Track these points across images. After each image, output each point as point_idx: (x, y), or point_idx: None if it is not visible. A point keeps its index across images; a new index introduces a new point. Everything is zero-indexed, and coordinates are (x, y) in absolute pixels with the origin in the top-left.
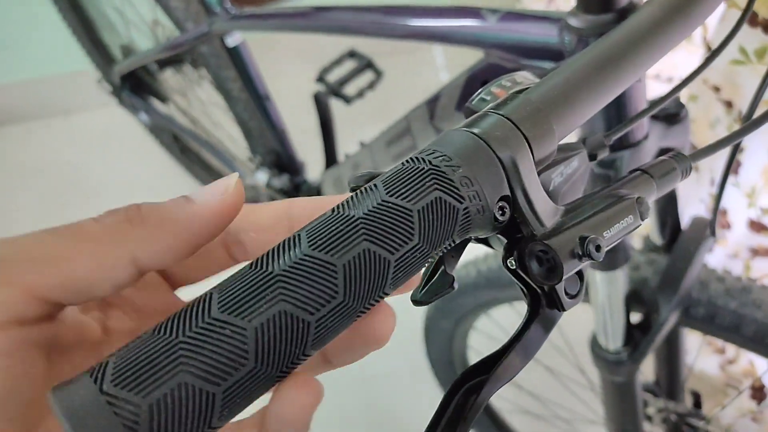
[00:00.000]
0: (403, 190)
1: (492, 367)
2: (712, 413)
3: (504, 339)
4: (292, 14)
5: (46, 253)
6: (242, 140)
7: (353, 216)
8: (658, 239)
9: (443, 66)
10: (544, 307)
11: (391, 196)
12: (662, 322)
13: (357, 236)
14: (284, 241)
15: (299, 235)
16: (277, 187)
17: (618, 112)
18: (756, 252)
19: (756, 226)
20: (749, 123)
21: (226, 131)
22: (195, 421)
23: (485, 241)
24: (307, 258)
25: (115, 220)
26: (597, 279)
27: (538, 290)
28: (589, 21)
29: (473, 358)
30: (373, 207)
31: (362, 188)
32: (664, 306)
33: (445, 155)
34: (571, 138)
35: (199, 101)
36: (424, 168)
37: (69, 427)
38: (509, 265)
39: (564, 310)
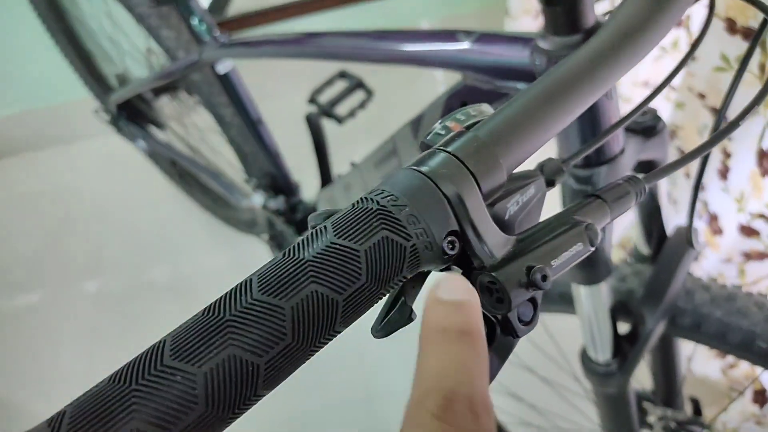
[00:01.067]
0: (350, 231)
1: None
2: (712, 420)
3: None
4: (280, 41)
5: None
6: (238, 164)
7: (302, 258)
8: (644, 249)
9: (439, 80)
10: (499, 334)
11: (339, 237)
12: (649, 333)
13: (305, 278)
14: (237, 285)
15: (251, 279)
16: (273, 209)
17: (592, 131)
18: (749, 256)
19: (747, 231)
20: (700, 146)
21: (223, 156)
22: None
23: (446, 270)
24: (256, 302)
25: None
26: (581, 293)
27: (493, 319)
28: (556, 42)
29: None
30: (322, 249)
31: (314, 230)
32: (650, 316)
33: (392, 194)
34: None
35: (195, 127)
36: (371, 208)
37: None
38: None
39: (518, 336)
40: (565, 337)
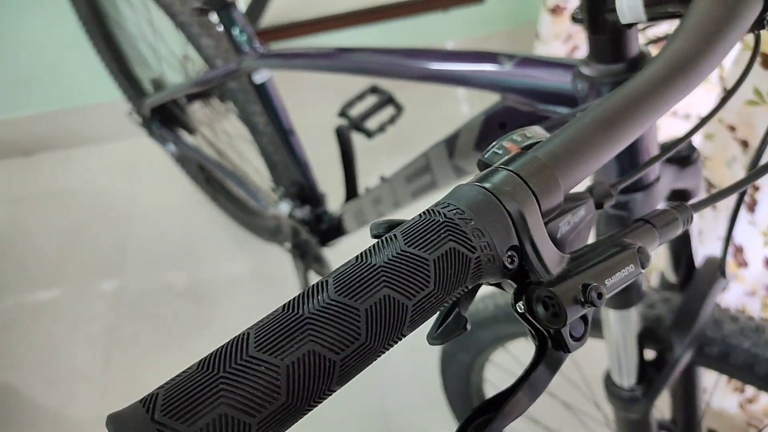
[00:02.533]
0: (420, 241)
1: (500, 405)
2: None
3: (516, 365)
4: (317, 54)
5: None
6: (266, 172)
7: (375, 264)
8: (672, 277)
9: (464, 98)
10: (550, 348)
11: (409, 246)
12: (676, 360)
13: (378, 283)
14: (312, 285)
15: (326, 281)
16: (299, 218)
17: (630, 158)
18: None
19: None
20: (750, 174)
21: (250, 163)
22: None
23: (498, 284)
24: (333, 302)
25: None
26: (610, 317)
27: (545, 333)
28: (600, 70)
29: (490, 392)
30: (393, 256)
31: (383, 238)
32: (678, 344)
33: (458, 208)
34: (581, 185)
35: (225, 133)
36: (439, 220)
37: None
38: (518, 309)
39: (569, 351)
40: (587, 363)
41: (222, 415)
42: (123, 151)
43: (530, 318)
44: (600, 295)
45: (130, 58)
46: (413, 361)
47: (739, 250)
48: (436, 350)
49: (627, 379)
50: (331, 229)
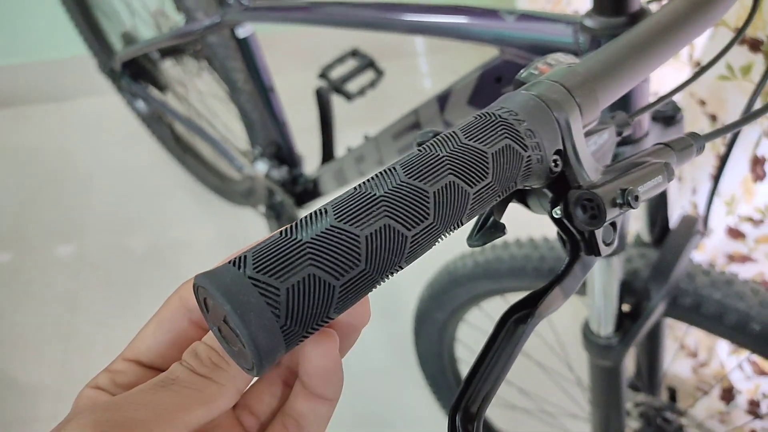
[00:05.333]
0: (479, 136)
1: (536, 302)
2: (687, 407)
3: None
4: (307, 7)
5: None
6: (240, 131)
7: (440, 155)
8: (647, 237)
9: (427, 73)
10: (582, 252)
11: (469, 140)
12: (651, 310)
13: (444, 171)
14: (384, 170)
15: (395, 167)
16: (276, 178)
17: (624, 101)
18: (732, 258)
19: (734, 233)
20: (755, 111)
21: (222, 122)
22: (318, 308)
23: (524, 201)
24: (404, 184)
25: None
26: (595, 266)
27: (578, 237)
28: (602, 22)
29: (461, 352)
30: (455, 148)
31: (444, 134)
32: (655, 295)
33: (512, 111)
34: None
35: (197, 92)
36: (495, 120)
37: (224, 300)
38: (554, 214)
39: (600, 255)
40: (563, 328)
41: (311, 275)
42: (85, 109)
43: (566, 223)
44: (636, 198)
45: (98, 11)
46: (383, 327)
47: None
48: (406, 316)
49: (605, 327)
50: (306, 191)
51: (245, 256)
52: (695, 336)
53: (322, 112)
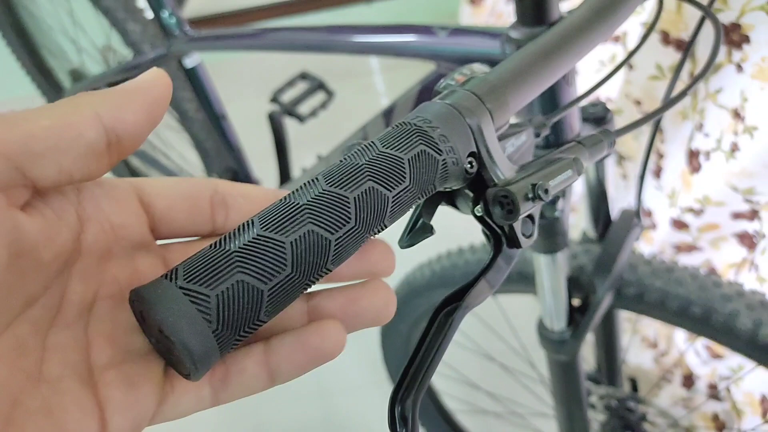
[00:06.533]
0: (395, 144)
1: (463, 295)
2: (647, 394)
3: (458, 335)
4: (250, 34)
5: (9, 117)
6: (196, 160)
7: (359, 163)
8: (592, 232)
9: (383, 92)
10: (504, 245)
11: (386, 148)
12: (598, 302)
13: (363, 177)
14: (307, 181)
15: (317, 177)
16: None
17: (552, 104)
18: (679, 248)
19: (678, 224)
20: (663, 105)
21: (177, 152)
22: (248, 312)
23: (453, 203)
24: (326, 192)
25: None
26: (541, 263)
27: (500, 232)
28: (526, 33)
29: None
30: (374, 156)
31: (361, 145)
32: (600, 287)
33: (426, 119)
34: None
35: None
36: (411, 128)
37: (156, 309)
38: (476, 212)
39: (521, 247)
40: (523, 330)
41: (240, 281)
42: None
43: (487, 219)
44: (546, 191)
45: (45, 50)
46: (352, 344)
47: (648, 214)
48: (374, 334)
49: (557, 323)
50: None
51: (177, 269)
52: (654, 327)
53: (276, 135)
